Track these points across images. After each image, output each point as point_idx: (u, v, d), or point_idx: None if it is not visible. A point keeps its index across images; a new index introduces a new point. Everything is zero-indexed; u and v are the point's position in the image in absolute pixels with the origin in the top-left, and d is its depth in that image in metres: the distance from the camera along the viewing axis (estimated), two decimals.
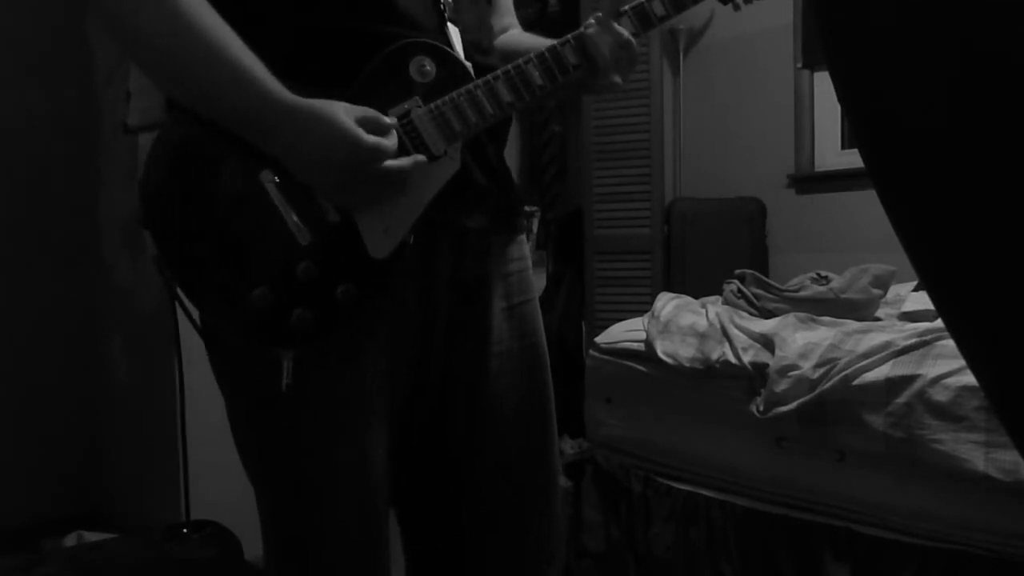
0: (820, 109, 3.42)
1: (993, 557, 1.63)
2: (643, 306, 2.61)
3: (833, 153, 3.42)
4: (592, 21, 1.04)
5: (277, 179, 0.96)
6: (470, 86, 1.00)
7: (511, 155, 4.15)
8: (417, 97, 0.99)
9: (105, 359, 3.20)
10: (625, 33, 1.03)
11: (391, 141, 0.96)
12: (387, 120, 0.97)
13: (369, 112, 0.96)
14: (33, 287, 3.18)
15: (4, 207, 3.13)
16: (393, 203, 0.99)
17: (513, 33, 1.24)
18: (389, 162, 0.95)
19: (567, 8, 3.67)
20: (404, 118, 0.99)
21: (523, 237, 1.21)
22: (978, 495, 1.64)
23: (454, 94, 1.00)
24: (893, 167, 0.56)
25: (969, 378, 1.64)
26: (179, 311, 1.06)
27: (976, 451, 1.63)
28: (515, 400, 1.15)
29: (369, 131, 0.94)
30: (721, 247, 3.40)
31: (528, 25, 1.28)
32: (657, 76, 3.47)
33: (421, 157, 0.99)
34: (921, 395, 1.71)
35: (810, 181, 3.45)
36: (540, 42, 1.11)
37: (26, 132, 3.17)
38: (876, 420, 1.76)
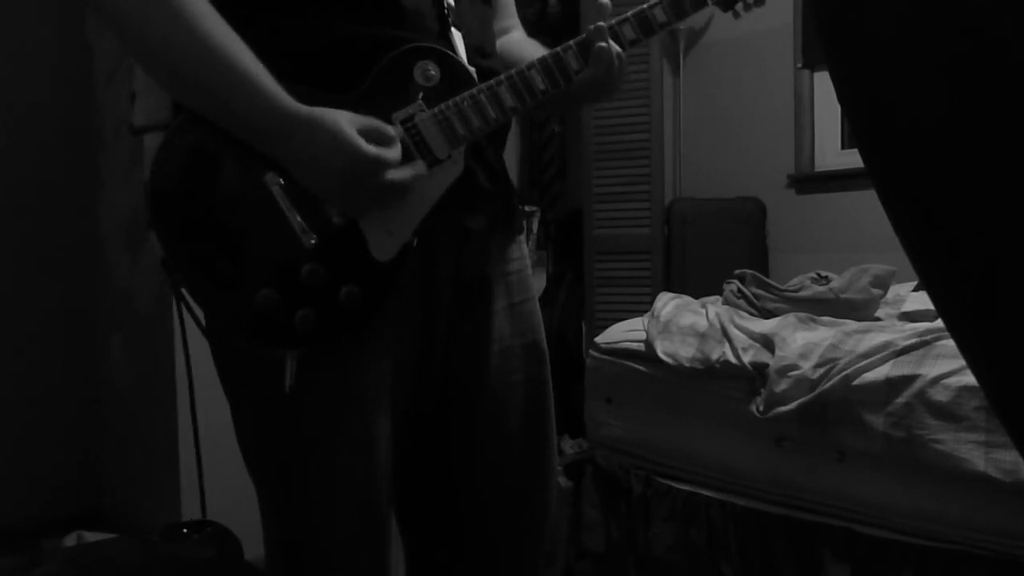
0: (820, 109, 3.42)
1: (993, 557, 1.63)
2: (643, 306, 2.61)
3: (833, 153, 3.42)
4: (592, 28, 1.04)
5: (282, 181, 0.97)
6: (473, 91, 1.01)
7: (511, 155, 4.14)
8: (421, 101, 1.00)
9: (105, 359, 3.21)
10: (615, 49, 1.04)
11: (394, 153, 0.97)
12: (391, 131, 0.97)
13: (372, 122, 0.96)
14: (33, 287, 3.18)
15: (4, 207, 3.13)
16: (397, 206, 0.99)
17: (513, 38, 1.24)
18: (390, 173, 0.96)
19: (567, 8, 3.67)
20: (408, 122, 1.00)
21: (522, 237, 1.21)
22: (978, 495, 1.64)
23: (458, 98, 1.00)
24: (893, 167, 0.56)
25: (969, 378, 1.64)
26: (184, 311, 1.07)
27: (976, 451, 1.63)
28: (515, 398, 1.15)
29: (371, 141, 0.95)
30: (721, 247, 3.39)
31: (528, 25, 1.28)
32: (657, 76, 3.47)
33: (422, 169, 0.99)
34: (921, 395, 1.71)
35: (810, 181, 3.45)
36: (539, 52, 1.11)
37: (26, 132, 3.17)
38: (876, 420, 1.76)
